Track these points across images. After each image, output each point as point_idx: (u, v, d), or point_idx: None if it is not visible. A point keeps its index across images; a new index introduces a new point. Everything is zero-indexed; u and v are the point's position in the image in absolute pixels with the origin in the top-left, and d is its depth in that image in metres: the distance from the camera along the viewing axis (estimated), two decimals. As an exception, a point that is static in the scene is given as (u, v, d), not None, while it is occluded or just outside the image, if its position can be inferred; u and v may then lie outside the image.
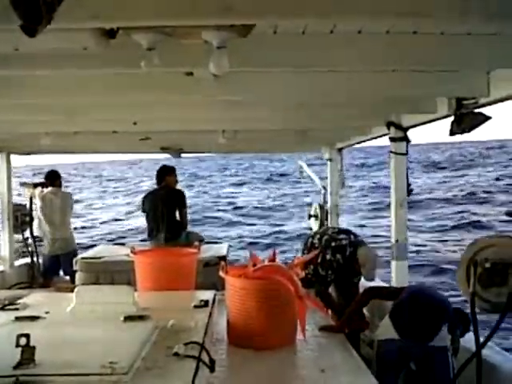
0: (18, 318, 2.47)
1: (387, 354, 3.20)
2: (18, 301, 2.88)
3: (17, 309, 2.70)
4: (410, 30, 2.53)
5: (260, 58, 2.58)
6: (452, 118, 3.57)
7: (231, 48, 2.15)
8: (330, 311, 4.52)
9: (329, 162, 6.94)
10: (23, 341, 1.79)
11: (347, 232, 4.92)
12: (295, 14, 1.92)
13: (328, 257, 4.57)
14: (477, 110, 3.47)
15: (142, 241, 9.11)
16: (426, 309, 3.23)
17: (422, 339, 3.11)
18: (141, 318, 2.45)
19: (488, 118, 3.43)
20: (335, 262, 4.55)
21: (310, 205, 7.86)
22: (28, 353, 1.78)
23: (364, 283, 5.16)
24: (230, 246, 6.95)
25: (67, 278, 6.62)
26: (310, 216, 7.52)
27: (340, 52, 2.60)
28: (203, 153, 7.53)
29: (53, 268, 6.60)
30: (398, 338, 3.16)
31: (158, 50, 2.15)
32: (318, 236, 4.96)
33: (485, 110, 3.49)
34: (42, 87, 3.13)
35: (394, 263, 4.29)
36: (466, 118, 3.46)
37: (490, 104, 3.40)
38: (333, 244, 4.65)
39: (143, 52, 2.15)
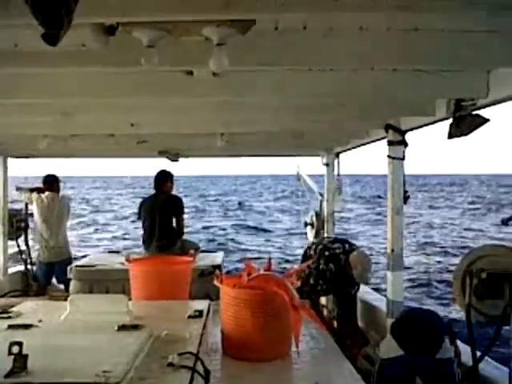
0: (10, 326, 2.45)
1: (392, 371, 3.17)
2: (11, 309, 2.86)
3: (10, 317, 2.67)
4: (411, 26, 2.51)
5: (260, 55, 2.56)
6: (450, 121, 3.55)
7: (231, 46, 2.15)
8: None
9: (326, 167, 6.86)
10: (16, 349, 1.77)
11: (342, 241, 4.92)
12: (295, 7, 1.92)
13: (321, 266, 4.59)
14: (475, 113, 3.44)
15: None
16: (427, 321, 3.24)
17: (428, 352, 3.09)
18: (135, 327, 2.43)
19: (486, 120, 3.40)
20: (328, 271, 4.56)
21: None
22: (20, 361, 1.76)
23: (361, 295, 5.17)
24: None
25: (61, 286, 6.58)
26: (306, 224, 7.46)
27: (340, 49, 2.58)
28: (201, 157, 7.47)
29: (46, 275, 6.55)
30: (402, 354, 3.14)
31: (158, 48, 2.15)
32: (314, 246, 4.98)
33: (483, 112, 3.47)
34: (39, 87, 3.10)
35: (389, 274, 4.24)
36: (465, 121, 3.43)
37: (488, 105, 3.37)
38: (326, 253, 4.68)
39: (143, 49, 2.14)
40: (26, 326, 2.46)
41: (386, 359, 3.26)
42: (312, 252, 4.90)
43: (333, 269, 4.56)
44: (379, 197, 41.22)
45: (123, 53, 2.43)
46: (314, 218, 7.15)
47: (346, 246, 4.73)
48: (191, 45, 2.41)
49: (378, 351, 3.42)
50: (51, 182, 6.66)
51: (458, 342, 3.40)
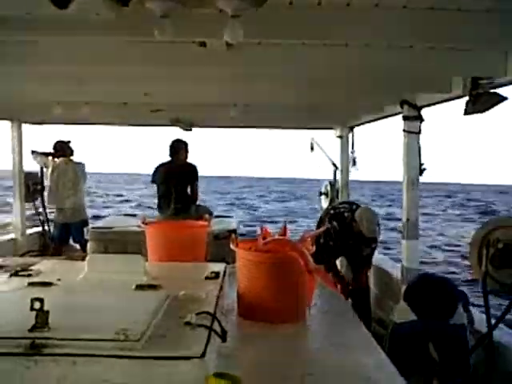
0: (31, 284, 2.50)
1: (404, 335, 3.20)
2: (31, 267, 2.90)
3: (30, 275, 2.72)
4: (427, 5, 2.47)
5: (274, 29, 2.54)
6: (467, 98, 3.51)
7: (245, 18, 2.12)
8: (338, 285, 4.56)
9: (340, 140, 6.88)
10: (37, 305, 1.80)
11: (350, 203, 4.99)
12: None
13: (326, 224, 4.66)
14: (492, 91, 3.40)
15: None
16: (441, 286, 3.25)
17: (441, 317, 3.10)
18: (152, 287, 2.46)
19: (504, 98, 3.36)
20: (332, 228, 4.63)
21: None
22: (42, 317, 1.79)
23: (377, 262, 5.19)
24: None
25: (77, 246, 6.70)
26: (320, 193, 7.50)
27: (356, 25, 2.55)
28: (214, 127, 7.46)
29: (63, 236, 6.66)
30: (415, 319, 3.15)
31: (172, 19, 2.12)
32: (325, 210, 5.04)
33: (501, 91, 3.43)
34: (54, 55, 3.10)
35: (404, 242, 4.26)
36: (482, 98, 3.40)
37: (506, 84, 3.33)
38: (331, 212, 4.75)
39: (157, 20, 2.11)
40: (46, 284, 2.50)
41: (398, 323, 3.28)
42: (323, 215, 4.98)
43: (336, 226, 4.64)
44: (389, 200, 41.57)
45: (137, 23, 2.40)
46: (329, 188, 7.19)
47: (354, 206, 4.79)
48: (205, 16, 2.37)
49: (392, 316, 3.45)
50: (62, 148, 6.71)
51: (472, 310, 3.41)
